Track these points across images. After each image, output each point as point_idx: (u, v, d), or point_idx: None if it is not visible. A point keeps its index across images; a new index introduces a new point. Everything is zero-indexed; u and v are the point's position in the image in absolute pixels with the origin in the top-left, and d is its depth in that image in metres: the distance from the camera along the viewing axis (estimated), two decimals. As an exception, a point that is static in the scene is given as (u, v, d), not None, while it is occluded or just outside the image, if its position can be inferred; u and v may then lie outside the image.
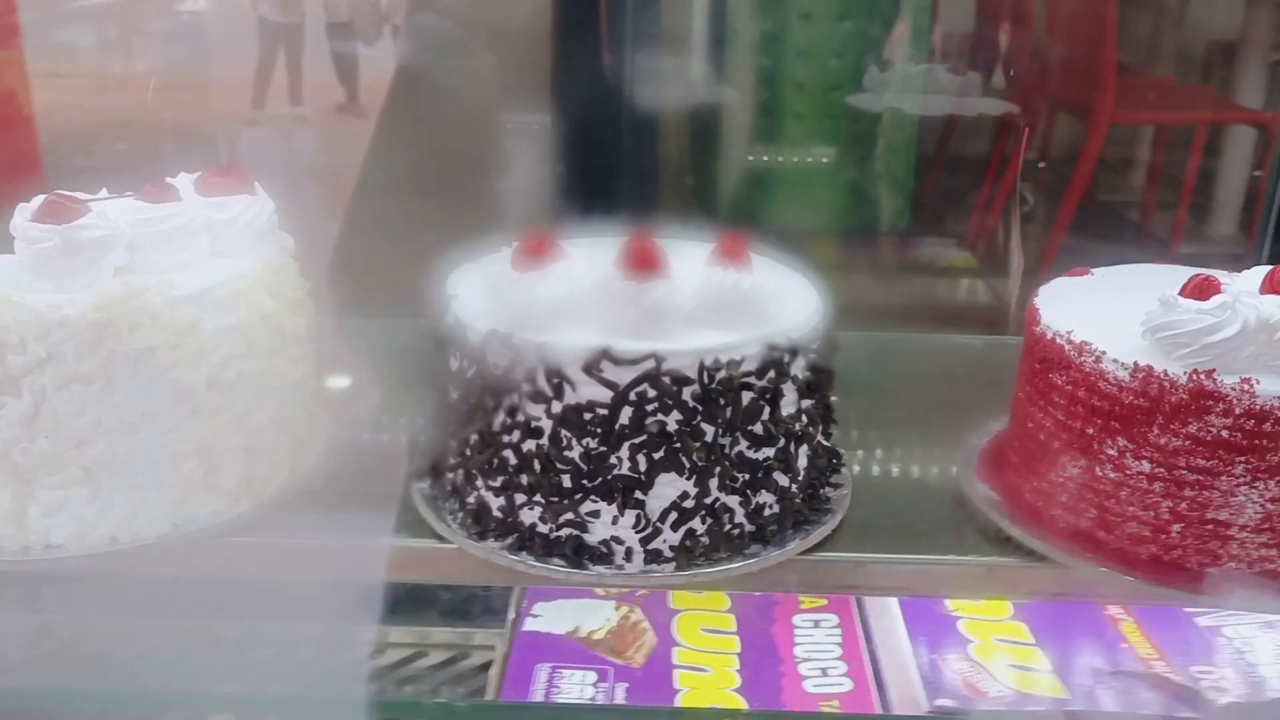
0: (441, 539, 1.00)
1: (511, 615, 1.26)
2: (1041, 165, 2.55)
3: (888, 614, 1.20)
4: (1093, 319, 1.00)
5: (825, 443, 1.06)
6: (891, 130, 2.41)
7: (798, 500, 1.01)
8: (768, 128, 2.49)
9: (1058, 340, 0.99)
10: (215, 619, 1.14)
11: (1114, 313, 1.00)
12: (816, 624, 1.24)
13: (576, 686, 1.15)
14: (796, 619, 1.25)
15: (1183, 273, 1.04)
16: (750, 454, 0.96)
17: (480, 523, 0.99)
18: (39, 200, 0.95)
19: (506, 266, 0.97)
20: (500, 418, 0.95)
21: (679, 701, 1.14)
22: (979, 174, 2.57)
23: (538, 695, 1.14)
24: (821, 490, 1.05)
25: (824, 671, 1.16)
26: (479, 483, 0.99)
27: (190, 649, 1.26)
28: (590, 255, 0.98)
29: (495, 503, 0.98)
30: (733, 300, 0.95)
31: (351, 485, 1.08)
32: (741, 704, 1.11)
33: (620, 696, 1.14)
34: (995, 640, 1.13)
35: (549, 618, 1.25)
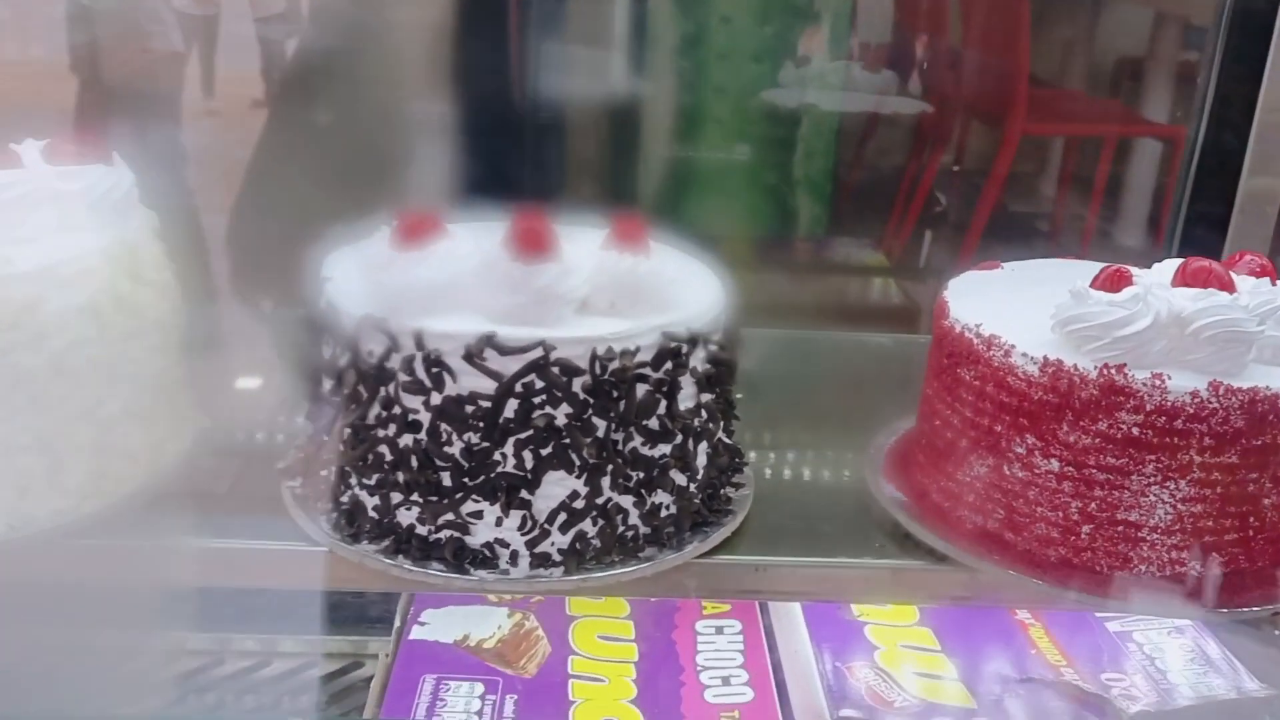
0: (311, 541, 0.92)
1: (398, 623, 1.18)
2: (956, 168, 2.55)
3: (791, 620, 1.15)
4: (1002, 312, 0.96)
5: (726, 440, 1.00)
6: (809, 128, 2.39)
7: (696, 500, 0.95)
8: (684, 127, 2.45)
9: (966, 334, 0.95)
10: (53, 628, 1.05)
11: (1024, 306, 0.96)
12: (719, 630, 1.19)
13: (463, 700, 1.08)
14: (699, 625, 1.20)
15: (1093, 267, 1.02)
16: (645, 451, 0.90)
17: (354, 524, 0.91)
18: None
19: (384, 246, 0.90)
20: (375, 410, 0.88)
21: (573, 715, 1.08)
22: (896, 177, 2.56)
23: (420, 710, 1.07)
24: (722, 490, 0.99)
25: (725, 680, 1.11)
26: (352, 481, 0.92)
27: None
28: (476, 236, 0.91)
29: (370, 502, 0.91)
30: (628, 286, 0.89)
31: (217, 485, 1.00)
32: (637, 716, 1.05)
33: (509, 710, 1.08)
34: (901, 646, 1.09)
35: (437, 625, 1.17)
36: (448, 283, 0.87)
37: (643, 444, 0.89)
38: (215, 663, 1.58)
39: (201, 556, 0.94)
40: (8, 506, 0.88)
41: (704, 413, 0.94)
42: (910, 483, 1.02)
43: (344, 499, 0.93)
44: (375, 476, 0.90)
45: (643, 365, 0.87)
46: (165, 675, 1.25)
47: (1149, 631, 1.09)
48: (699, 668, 1.12)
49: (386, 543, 0.90)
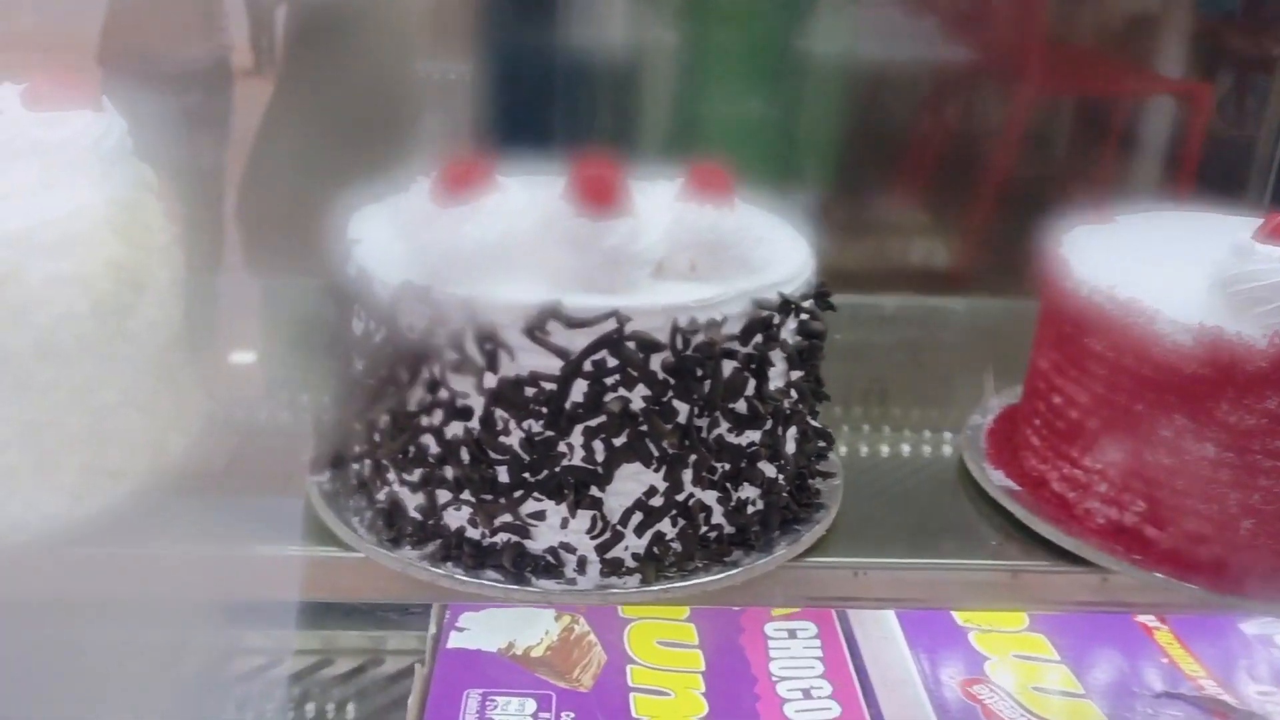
0: (345, 546, 0.80)
1: (433, 630, 1.05)
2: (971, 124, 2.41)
3: (878, 624, 1.02)
4: (1137, 272, 0.83)
5: (814, 424, 0.87)
6: (830, 78, 2.25)
7: (784, 494, 0.83)
8: (703, 81, 2.30)
9: (1096, 298, 0.82)
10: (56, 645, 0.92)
11: (1162, 264, 0.83)
12: (792, 634, 1.06)
13: (513, 717, 0.95)
14: (769, 628, 1.07)
15: (1224, 221, 0.89)
16: (731, 439, 0.77)
17: (394, 526, 0.79)
18: None
19: (424, 201, 0.76)
20: (417, 394, 0.75)
21: (636, 731, 0.96)
22: (935, 132, 2.41)
23: (465, 729, 0.95)
24: (810, 481, 0.86)
25: (805, 693, 0.98)
26: (391, 476, 0.79)
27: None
28: (530, 188, 0.78)
29: (412, 501, 0.78)
30: (711, 244, 0.76)
31: (231, 478, 0.87)
32: (711, 735, 0.93)
33: (565, 728, 0.95)
34: (1014, 657, 0.96)
35: (477, 631, 1.05)
36: (500, 243, 0.74)
37: (729, 430, 0.77)
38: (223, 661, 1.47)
39: (216, 565, 0.81)
40: (-12, 510, 0.75)
41: (794, 392, 0.81)
42: (1023, 469, 0.90)
43: (380, 497, 0.80)
44: (418, 472, 0.77)
45: (731, 338, 0.74)
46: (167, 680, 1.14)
47: (1294, 634, 0.98)
48: (774, 678, 1.00)
49: (432, 547, 0.78)
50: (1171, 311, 0.78)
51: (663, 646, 1.04)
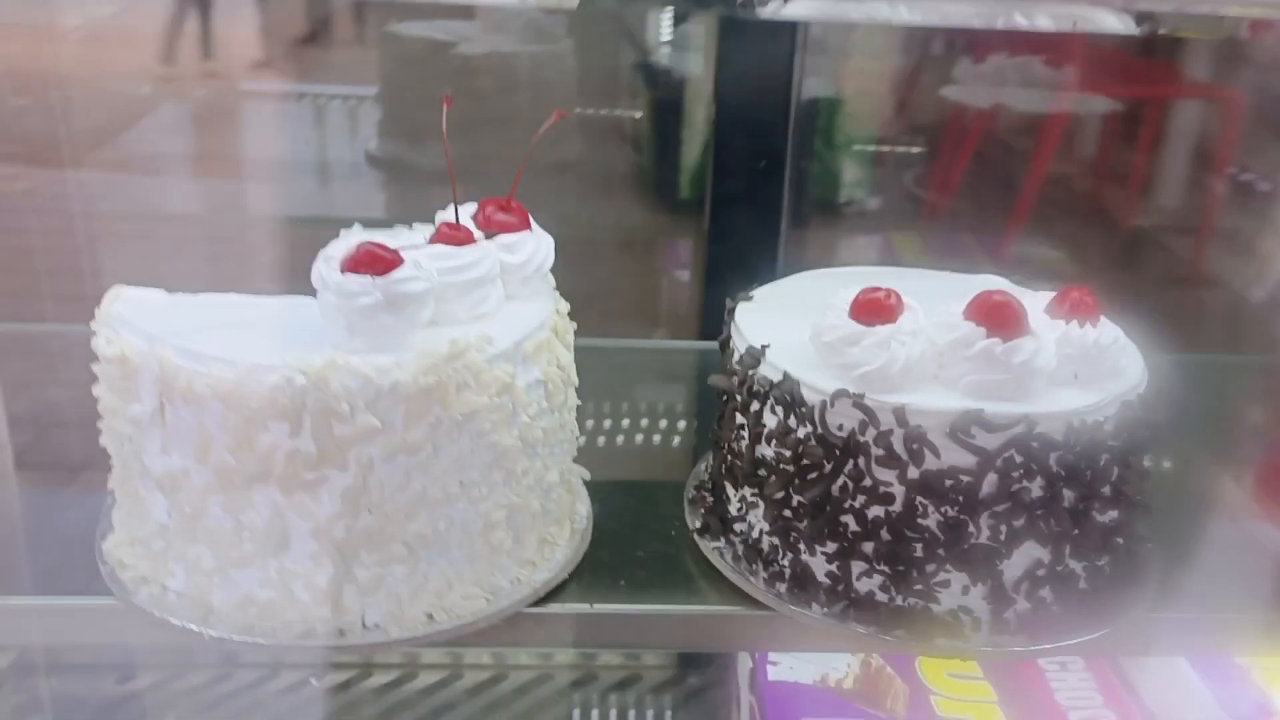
0: (758, 605, 0.94)
1: (749, 664, 1.20)
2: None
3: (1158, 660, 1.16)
4: None
5: (1140, 499, 1.01)
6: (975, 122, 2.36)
7: (1126, 560, 0.97)
8: (865, 123, 2.42)
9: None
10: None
11: None
12: (1063, 665, 1.20)
13: (850, 746, 1.10)
14: (1040, 660, 1.21)
15: None
16: (1098, 517, 0.91)
17: (805, 589, 0.93)
18: (343, 247, 0.86)
19: (844, 320, 0.90)
20: (840, 481, 0.89)
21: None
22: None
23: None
24: (1135, 547, 1.01)
25: (1097, 722, 1.13)
26: (800, 547, 0.93)
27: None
28: (926, 306, 0.92)
29: (823, 568, 0.92)
30: (1094, 358, 0.90)
31: (629, 540, 1.02)
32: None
33: (894, 755, 1.10)
34: (1301, 695, 1.10)
35: (790, 664, 1.19)
36: (920, 357, 0.88)
37: (1097, 510, 0.91)
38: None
39: (639, 623, 0.96)
40: (483, 579, 0.90)
41: (1137, 475, 0.96)
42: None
43: (783, 563, 0.94)
44: (834, 545, 0.91)
45: (1110, 435, 0.89)
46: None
47: None
48: (1063, 708, 1.14)
49: (839, 607, 0.92)
50: None
51: (954, 679, 1.18)
